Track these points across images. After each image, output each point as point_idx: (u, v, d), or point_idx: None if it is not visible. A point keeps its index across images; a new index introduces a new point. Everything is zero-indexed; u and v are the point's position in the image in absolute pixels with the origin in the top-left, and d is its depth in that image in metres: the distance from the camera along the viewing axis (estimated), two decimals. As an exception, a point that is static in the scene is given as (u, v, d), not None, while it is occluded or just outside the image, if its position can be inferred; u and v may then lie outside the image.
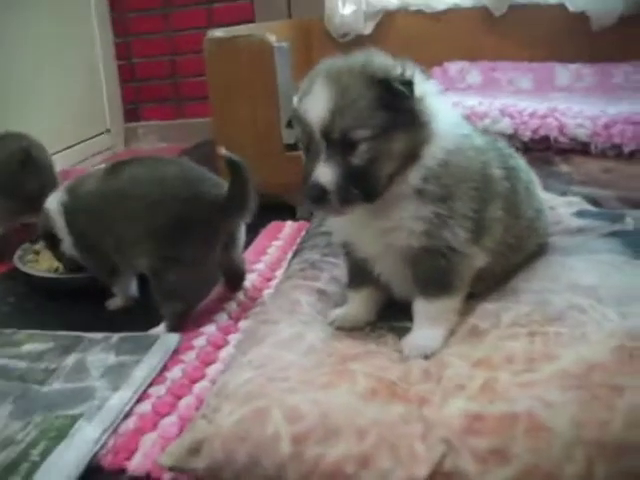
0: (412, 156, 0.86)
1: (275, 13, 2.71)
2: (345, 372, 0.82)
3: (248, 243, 1.47)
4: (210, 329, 1.23)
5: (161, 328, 1.22)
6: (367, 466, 0.71)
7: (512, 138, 1.44)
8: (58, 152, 2.49)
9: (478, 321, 0.90)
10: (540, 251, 1.07)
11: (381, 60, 0.87)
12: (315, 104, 0.84)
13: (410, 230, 0.87)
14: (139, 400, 1.02)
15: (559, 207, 1.21)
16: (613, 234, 1.07)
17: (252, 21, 2.74)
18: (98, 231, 1.26)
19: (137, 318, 1.30)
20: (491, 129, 1.45)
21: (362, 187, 0.84)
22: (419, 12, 2.60)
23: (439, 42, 2.56)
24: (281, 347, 0.90)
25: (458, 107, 1.51)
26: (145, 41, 2.89)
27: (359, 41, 2.65)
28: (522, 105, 1.49)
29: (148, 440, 0.93)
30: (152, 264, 1.19)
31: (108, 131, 2.92)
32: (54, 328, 1.27)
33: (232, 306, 1.32)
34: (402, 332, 0.93)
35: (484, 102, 1.52)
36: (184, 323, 1.22)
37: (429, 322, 0.91)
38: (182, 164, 1.25)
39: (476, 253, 0.91)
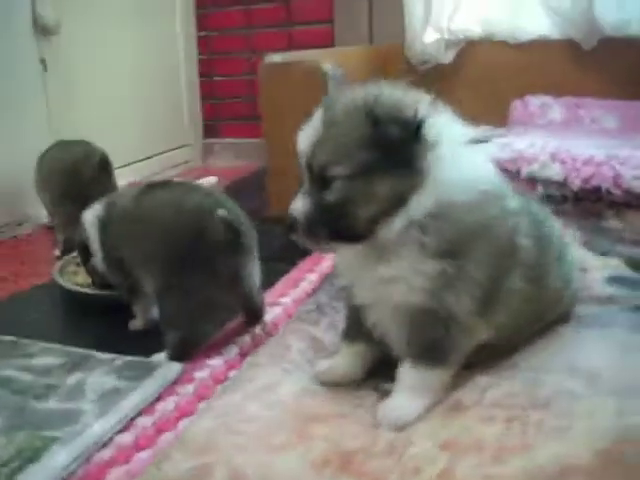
0: (401, 202, 0.78)
1: (356, 38, 2.69)
2: (304, 435, 0.77)
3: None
4: (217, 362, 1.20)
5: (162, 355, 1.20)
6: None
7: (562, 186, 1.32)
8: (135, 162, 2.60)
9: (462, 395, 0.81)
10: (560, 320, 0.96)
11: (393, 96, 0.79)
12: (304, 135, 0.81)
13: (409, 284, 0.79)
14: (123, 430, 1.01)
15: (593, 270, 1.09)
16: (644, 307, 0.94)
17: (332, 45, 2.73)
18: (123, 248, 1.27)
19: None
20: (539, 175, 1.34)
21: (335, 225, 0.79)
22: (503, 42, 2.48)
23: (522, 74, 2.44)
24: (251, 397, 0.86)
25: (500, 149, 1.40)
26: (227, 60, 2.95)
27: (439, 70, 2.59)
28: (578, 150, 1.37)
29: (115, 474, 0.91)
30: (156, 288, 1.19)
31: (186, 145, 3.00)
32: (74, 342, 1.27)
33: (245, 340, 1.29)
34: (387, 395, 0.86)
35: (535, 145, 1.41)
36: (187, 353, 1.20)
37: (411, 391, 0.83)
38: (207, 195, 1.24)
39: (480, 327, 0.83)
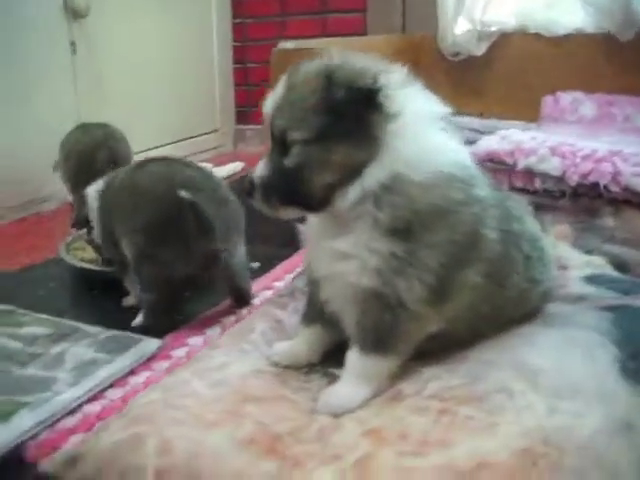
0: (356, 172, 0.77)
1: (388, 27, 2.66)
2: (237, 414, 0.77)
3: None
4: (196, 341, 1.21)
5: (139, 317, 1.24)
6: (215, 520, 0.66)
7: (560, 181, 1.27)
8: (166, 145, 2.65)
9: (404, 386, 0.79)
10: (524, 318, 0.92)
11: (356, 64, 0.78)
12: (268, 101, 0.81)
13: (361, 263, 0.78)
14: (92, 400, 1.03)
15: (572, 269, 1.04)
16: (614, 308, 0.90)
17: (364, 34, 2.71)
18: (114, 221, 1.30)
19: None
20: (535, 168, 1.29)
21: (291, 191, 0.79)
22: (537, 35, 2.41)
23: (555, 68, 2.37)
24: (199, 374, 0.86)
25: (498, 141, 1.36)
26: (260, 47, 2.96)
27: (471, 61, 2.53)
28: (580, 145, 1.31)
29: (74, 441, 0.93)
30: (134, 256, 1.21)
31: (217, 131, 3.03)
32: (72, 315, 1.31)
33: (230, 320, 1.29)
34: (334, 381, 0.85)
35: (537, 138, 1.36)
36: (159, 318, 1.22)
37: (355, 379, 0.81)
38: (199, 171, 1.25)
39: (431, 317, 0.80)
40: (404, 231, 0.76)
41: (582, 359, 0.77)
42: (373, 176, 0.77)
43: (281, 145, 0.80)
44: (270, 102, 0.81)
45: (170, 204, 1.15)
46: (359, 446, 0.68)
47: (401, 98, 0.77)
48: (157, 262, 1.17)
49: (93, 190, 1.39)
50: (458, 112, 0.87)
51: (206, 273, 1.22)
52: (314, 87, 0.77)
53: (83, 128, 1.89)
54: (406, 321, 0.79)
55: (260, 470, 0.68)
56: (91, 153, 1.78)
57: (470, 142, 1.67)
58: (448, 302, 0.81)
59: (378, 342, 0.80)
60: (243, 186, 0.83)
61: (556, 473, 0.60)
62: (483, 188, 0.83)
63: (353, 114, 0.75)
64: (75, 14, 2.14)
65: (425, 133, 0.79)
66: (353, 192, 0.77)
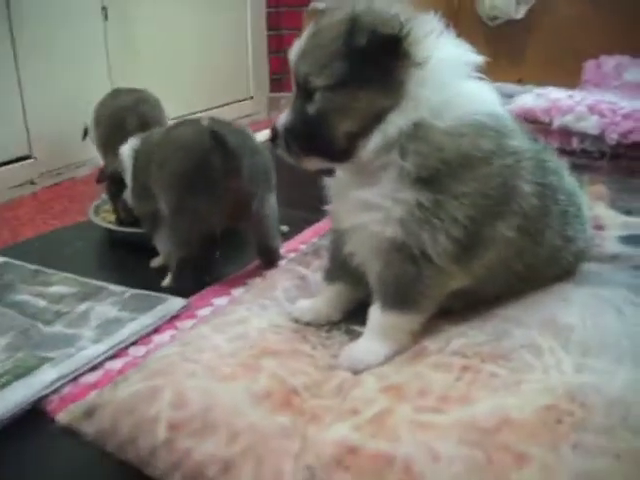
0: (379, 119, 0.74)
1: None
2: (253, 367, 0.75)
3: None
4: (221, 301, 1.20)
5: (168, 278, 1.24)
6: (227, 473, 0.64)
7: (598, 140, 1.21)
8: (199, 112, 2.63)
9: (429, 342, 0.77)
10: (558, 277, 0.88)
11: (381, 12, 0.74)
12: (294, 47, 0.79)
13: (386, 213, 0.75)
14: (115, 356, 1.03)
15: (609, 228, 0.99)
16: (648, 267, 0.85)
17: (401, -4, 2.63)
18: (150, 176, 1.30)
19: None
20: (572, 127, 1.23)
21: (315, 139, 0.78)
22: (580, -3, 2.31)
23: (600, 32, 2.27)
24: (218, 329, 0.85)
25: (534, 98, 1.30)
26: (295, 13, 2.92)
27: (510, 26, 2.45)
28: (621, 103, 1.24)
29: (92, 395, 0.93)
30: (169, 211, 1.21)
31: (252, 98, 3.01)
32: (98, 276, 1.31)
33: (256, 281, 1.28)
34: (356, 338, 0.83)
35: (575, 96, 1.29)
36: (188, 273, 1.23)
37: (377, 335, 0.79)
38: (230, 126, 1.24)
39: (457, 274, 0.77)
40: (431, 180, 0.74)
41: (613, 317, 0.74)
42: (396, 123, 0.74)
43: (304, 92, 0.78)
44: (295, 48, 0.79)
45: (198, 150, 1.15)
46: (377, 401, 0.66)
47: (428, 45, 0.74)
48: (191, 213, 1.17)
49: (127, 149, 1.39)
50: (496, 78, 0.83)
51: (239, 223, 1.21)
52: (337, 33, 0.74)
53: (114, 93, 1.88)
54: (429, 276, 0.76)
55: (275, 423, 0.67)
56: (120, 117, 1.77)
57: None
58: (475, 259, 0.77)
59: (400, 297, 0.78)
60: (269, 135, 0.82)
61: (582, 431, 0.57)
62: (517, 138, 0.80)
63: (377, 60, 0.73)
64: (107, -21, 2.13)
65: (453, 80, 0.76)
66: (375, 140, 0.75)
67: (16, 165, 1.97)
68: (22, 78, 1.91)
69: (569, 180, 0.92)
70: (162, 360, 0.79)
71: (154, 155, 1.27)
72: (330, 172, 0.88)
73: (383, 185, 0.76)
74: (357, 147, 0.77)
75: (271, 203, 1.24)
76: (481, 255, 0.78)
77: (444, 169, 0.73)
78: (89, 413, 0.76)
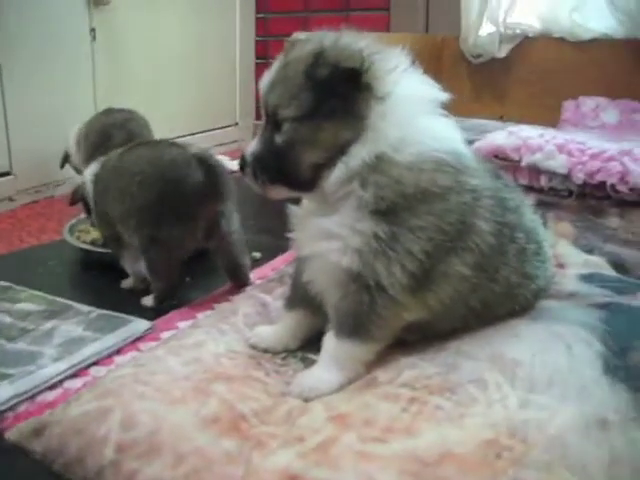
0: (342, 151, 0.76)
1: (411, 27, 2.63)
2: (204, 391, 0.75)
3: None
4: (186, 324, 1.20)
5: (149, 299, 1.24)
6: (170, 497, 0.64)
7: (566, 179, 1.23)
8: (186, 135, 2.65)
9: (381, 373, 0.77)
10: (515, 314, 0.89)
11: (347, 45, 0.78)
12: (264, 79, 0.82)
13: (344, 243, 0.76)
14: (75, 376, 1.03)
15: (570, 267, 1.01)
16: (604, 306, 0.86)
17: (387, 32, 2.69)
18: (107, 203, 1.30)
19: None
20: (541, 165, 1.25)
21: (281, 168, 0.79)
22: (561, 40, 2.37)
23: (579, 73, 2.32)
24: (174, 351, 0.86)
25: (505, 136, 1.33)
26: (283, 43, 2.95)
27: (493, 64, 2.50)
28: (589, 143, 1.27)
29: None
30: (139, 241, 1.21)
31: (237, 124, 3.03)
32: (67, 294, 1.31)
33: (222, 305, 1.27)
34: (311, 365, 0.83)
35: (545, 135, 1.32)
36: (171, 298, 1.23)
37: (331, 364, 0.79)
38: (187, 149, 1.25)
39: (411, 306, 0.78)
40: (388, 213, 0.75)
41: (562, 353, 0.75)
42: (358, 155, 0.76)
43: (273, 122, 0.79)
44: (265, 80, 0.81)
45: (171, 179, 1.16)
46: (323, 429, 0.67)
47: (391, 80, 0.76)
48: (167, 243, 1.18)
49: (89, 173, 1.39)
50: (478, 115, 0.85)
51: (208, 242, 1.22)
52: (304, 66, 0.76)
53: (106, 111, 1.92)
54: (384, 306, 0.77)
55: (221, 448, 0.67)
56: (109, 133, 1.80)
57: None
58: (430, 292, 0.78)
59: (355, 327, 0.79)
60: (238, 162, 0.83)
61: (520, 467, 0.57)
62: (477, 176, 0.81)
63: (339, 93, 0.75)
64: (97, 1, 2.16)
65: (414, 116, 0.78)
66: (338, 171, 0.77)
67: (-5, 181, 1.97)
68: (6, 95, 1.92)
69: (530, 218, 0.93)
70: (115, 381, 0.79)
71: (110, 182, 1.27)
72: (296, 200, 0.89)
73: (343, 215, 0.77)
74: (321, 177, 0.78)
75: (236, 219, 1.25)
76: (435, 289, 0.78)
77: (401, 202, 0.75)
78: (38, 431, 0.76)
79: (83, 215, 1.65)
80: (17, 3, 1.89)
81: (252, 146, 0.82)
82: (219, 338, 0.89)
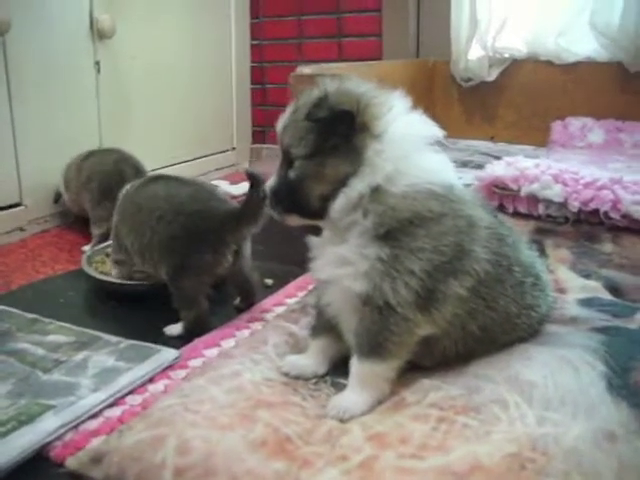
0: (344, 184, 0.87)
1: (403, 52, 2.73)
2: (249, 418, 0.83)
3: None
4: (212, 352, 1.27)
5: (178, 327, 1.30)
6: (228, 514, 0.71)
7: (562, 207, 1.32)
8: (184, 162, 2.73)
9: (408, 394, 0.85)
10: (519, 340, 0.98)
11: (350, 89, 0.89)
12: (279, 122, 0.94)
13: (355, 268, 0.86)
14: (113, 405, 1.09)
15: (569, 292, 1.09)
16: (603, 330, 0.95)
17: (380, 57, 2.78)
18: (124, 234, 1.38)
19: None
20: (538, 194, 1.35)
21: (294, 200, 0.91)
22: (548, 63, 2.48)
23: (565, 95, 2.45)
24: (214, 381, 0.93)
25: (504, 167, 1.42)
26: (278, 68, 3.06)
27: (482, 87, 2.60)
28: (582, 173, 1.37)
29: (96, 442, 0.99)
30: (166, 272, 1.28)
31: (234, 149, 3.11)
32: (91, 325, 1.36)
33: (243, 334, 1.35)
34: (342, 389, 0.91)
35: (540, 165, 1.42)
36: (200, 328, 1.29)
37: (358, 385, 0.88)
38: (200, 187, 1.34)
39: (420, 321, 0.86)
40: (388, 237, 0.85)
41: (570, 375, 0.83)
42: (356, 187, 0.86)
43: (287, 160, 0.92)
44: (280, 123, 0.94)
45: (204, 210, 1.25)
46: (364, 449, 0.74)
47: (387, 121, 0.87)
48: (197, 271, 1.24)
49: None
50: (469, 136, 0.94)
51: (232, 269, 1.29)
52: (308, 110, 0.88)
53: (98, 152, 2.00)
54: (396, 324, 0.85)
55: (271, 469, 0.74)
56: (116, 171, 1.87)
57: (480, 166, 1.74)
58: (435, 310, 0.86)
59: (372, 346, 0.87)
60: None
61: (542, 476, 0.66)
62: (471, 207, 0.91)
63: (339, 133, 0.86)
64: (101, 34, 2.23)
65: (408, 152, 0.88)
66: (340, 201, 0.88)
67: (6, 212, 2.02)
68: (16, 128, 1.98)
69: (527, 254, 1.01)
70: (165, 410, 0.86)
71: (128, 216, 1.35)
72: (316, 231, 0.98)
73: (351, 242, 0.88)
74: (328, 207, 0.89)
75: (248, 245, 1.34)
76: (439, 307, 0.86)
77: (398, 226, 0.85)
78: (97, 459, 0.82)
79: (97, 247, 1.73)
80: (24, 38, 1.96)
81: (271, 181, 0.95)
82: (254, 367, 0.97)
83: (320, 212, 0.90)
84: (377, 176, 0.85)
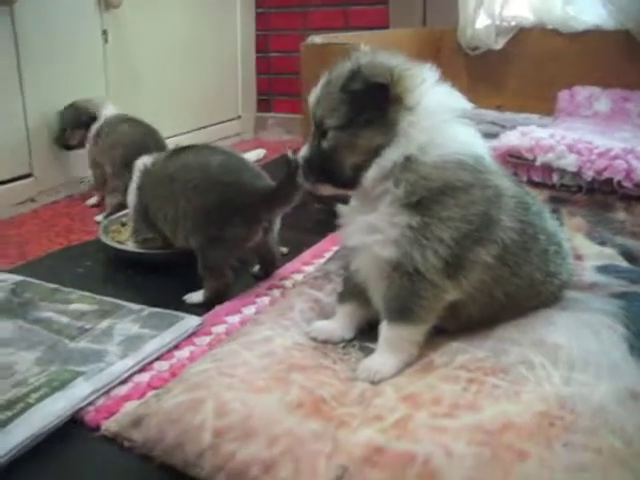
0: (377, 154, 0.89)
1: (410, 20, 2.72)
2: (284, 380, 0.86)
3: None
4: (233, 319, 1.30)
5: (199, 294, 1.32)
6: (269, 472, 0.75)
7: (576, 176, 1.35)
8: (190, 132, 2.73)
9: (436, 357, 0.89)
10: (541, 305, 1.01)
11: (381, 62, 0.90)
12: (312, 94, 0.95)
13: (384, 235, 0.89)
14: (141, 370, 1.12)
15: (586, 259, 1.12)
16: (622, 295, 0.99)
17: (387, 26, 2.77)
18: (154, 207, 1.39)
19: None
20: (553, 164, 1.37)
21: (327, 169, 0.94)
22: (555, 31, 2.47)
23: (573, 64, 2.44)
24: (246, 346, 0.96)
25: (519, 136, 1.44)
26: (283, 37, 3.04)
27: (490, 56, 2.60)
28: (596, 142, 1.39)
29: (130, 407, 1.02)
30: (199, 241, 1.30)
31: (239, 118, 3.11)
32: (111, 293, 1.40)
33: (263, 300, 1.38)
34: (369, 353, 0.94)
35: (555, 135, 1.43)
36: (222, 299, 1.31)
37: (388, 348, 0.91)
38: (230, 155, 1.35)
39: (447, 287, 0.89)
40: (419, 206, 0.87)
41: (593, 338, 0.86)
42: (390, 157, 0.89)
43: (320, 131, 0.94)
44: (313, 95, 0.95)
45: (237, 181, 1.27)
46: (398, 408, 0.78)
47: (419, 93, 0.89)
48: (228, 243, 1.27)
49: (135, 175, 1.48)
50: (476, 105, 0.97)
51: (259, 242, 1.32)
52: (343, 82, 0.90)
53: (129, 120, 2.00)
54: (425, 290, 0.88)
55: (308, 429, 0.77)
56: (141, 143, 1.88)
57: (488, 134, 1.75)
58: (462, 276, 0.89)
59: (402, 311, 0.90)
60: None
61: (571, 433, 0.69)
62: (498, 178, 0.93)
63: (372, 105, 0.88)
64: (108, 4, 2.22)
65: (439, 124, 0.90)
66: (373, 171, 0.90)
67: (17, 183, 2.04)
68: (26, 99, 1.99)
69: (550, 221, 1.04)
70: (200, 374, 0.89)
71: (159, 187, 1.36)
72: (344, 200, 1.01)
73: (382, 210, 0.90)
74: (361, 176, 0.91)
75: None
76: (467, 274, 0.89)
77: (429, 196, 0.87)
78: (136, 423, 0.86)
79: (112, 216, 1.75)
80: (32, 8, 1.95)
81: (303, 151, 0.97)
82: (284, 333, 1.00)
83: (353, 182, 0.92)
84: (410, 146, 0.87)
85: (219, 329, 1.26)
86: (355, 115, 0.89)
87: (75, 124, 2.04)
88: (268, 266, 1.41)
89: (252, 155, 2.58)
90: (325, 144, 0.93)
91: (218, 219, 1.26)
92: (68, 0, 2.09)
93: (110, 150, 1.94)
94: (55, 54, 2.06)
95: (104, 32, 2.24)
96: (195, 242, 1.31)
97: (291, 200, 1.26)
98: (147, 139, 1.93)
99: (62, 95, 2.07)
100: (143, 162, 1.47)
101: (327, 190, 0.97)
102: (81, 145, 2.05)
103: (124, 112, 2.05)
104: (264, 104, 3.22)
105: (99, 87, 2.25)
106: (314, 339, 1.00)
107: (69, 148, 2.10)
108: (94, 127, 2.00)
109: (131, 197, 1.48)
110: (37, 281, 1.45)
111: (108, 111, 2.03)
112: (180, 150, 1.42)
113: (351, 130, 0.90)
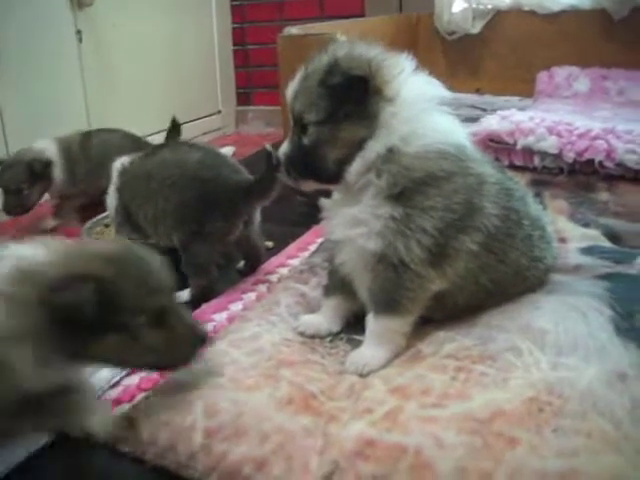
0: (360, 147, 0.88)
1: (386, 7, 2.70)
2: (273, 377, 0.86)
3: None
4: (221, 317, 1.30)
5: (186, 293, 1.30)
6: (262, 470, 0.74)
7: (557, 158, 1.35)
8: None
9: (424, 346, 0.89)
10: (527, 290, 1.01)
11: (359, 54, 0.89)
12: (289, 89, 0.94)
13: (368, 228, 0.88)
14: (131, 373, 1.12)
15: (570, 241, 1.13)
16: (607, 276, 0.99)
17: (362, 14, 2.75)
18: (134, 207, 1.38)
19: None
20: (534, 147, 1.37)
21: (309, 165, 0.92)
22: (532, 13, 2.48)
23: (550, 45, 2.44)
24: (235, 345, 0.95)
25: (498, 121, 1.43)
26: (259, 29, 3.01)
27: (467, 40, 2.60)
28: (576, 124, 1.39)
29: (119, 411, 1.02)
30: (180, 238, 1.29)
31: (219, 112, 3.08)
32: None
33: (250, 297, 1.37)
34: (357, 345, 0.94)
35: (535, 118, 1.44)
36: (208, 296, 1.30)
37: (375, 340, 0.91)
38: (208, 151, 1.34)
39: (432, 277, 0.89)
40: (402, 197, 0.86)
41: (580, 321, 0.87)
42: (373, 149, 0.88)
43: (299, 126, 0.92)
44: (290, 90, 0.93)
45: (215, 175, 1.25)
46: (387, 401, 0.78)
47: (398, 83, 0.88)
48: (209, 238, 1.25)
49: (115, 174, 1.46)
50: (455, 89, 0.96)
51: (241, 236, 1.31)
52: (321, 76, 0.88)
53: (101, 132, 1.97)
54: (410, 280, 0.88)
55: (299, 424, 0.77)
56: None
57: (468, 118, 1.75)
58: (447, 266, 0.89)
59: (388, 302, 0.90)
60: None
61: (560, 417, 0.70)
62: (480, 165, 0.92)
63: (352, 97, 0.87)
64: (80, 3, 2.19)
65: (419, 114, 0.89)
66: (357, 164, 0.89)
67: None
68: (1, 101, 1.96)
69: (535, 207, 1.04)
70: (189, 375, 0.88)
71: (137, 187, 1.34)
72: (327, 193, 1.00)
73: (365, 203, 0.89)
74: (344, 171, 0.90)
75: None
76: (452, 263, 0.89)
77: (412, 186, 0.86)
78: (128, 426, 0.85)
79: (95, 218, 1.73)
80: (3, 9, 1.92)
81: (283, 147, 0.95)
82: (271, 329, 1.00)
83: (336, 176, 0.91)
84: (392, 137, 0.86)
85: (207, 327, 1.25)
86: (335, 109, 0.87)
87: (31, 179, 1.71)
88: (253, 261, 1.41)
89: (229, 149, 2.58)
90: (306, 140, 0.91)
91: (198, 215, 1.25)
92: (40, 0, 2.06)
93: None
94: (30, 55, 2.03)
95: (78, 32, 2.21)
96: (177, 239, 1.30)
97: (270, 193, 1.25)
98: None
99: (39, 96, 2.04)
100: (121, 162, 1.44)
101: (310, 186, 0.96)
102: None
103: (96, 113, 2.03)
104: (244, 97, 3.19)
105: (76, 87, 2.22)
106: (302, 334, 1.00)
107: (26, 211, 1.75)
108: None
109: (111, 199, 1.46)
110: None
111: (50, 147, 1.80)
112: (158, 148, 1.40)
113: (332, 124, 0.88)
